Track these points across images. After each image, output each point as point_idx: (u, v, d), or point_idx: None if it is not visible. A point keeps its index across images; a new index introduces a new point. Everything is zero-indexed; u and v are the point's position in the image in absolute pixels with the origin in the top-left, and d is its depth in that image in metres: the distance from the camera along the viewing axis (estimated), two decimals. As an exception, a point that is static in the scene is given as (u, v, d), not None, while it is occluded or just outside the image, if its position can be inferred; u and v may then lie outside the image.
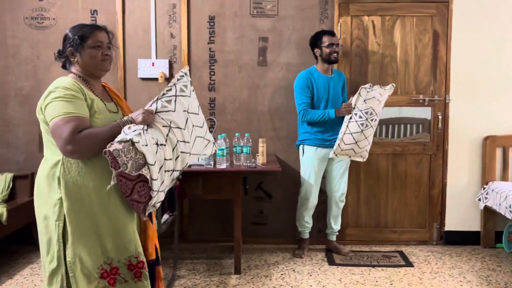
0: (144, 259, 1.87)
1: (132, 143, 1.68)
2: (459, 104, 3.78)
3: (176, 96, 1.87)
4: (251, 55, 3.81)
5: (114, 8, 3.75)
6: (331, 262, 3.49)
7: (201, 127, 2.00)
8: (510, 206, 3.26)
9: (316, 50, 3.51)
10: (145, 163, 1.73)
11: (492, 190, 3.59)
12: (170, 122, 1.85)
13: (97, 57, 1.87)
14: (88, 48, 1.86)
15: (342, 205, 3.64)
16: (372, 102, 3.29)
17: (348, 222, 3.89)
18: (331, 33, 3.50)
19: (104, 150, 1.65)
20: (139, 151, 1.70)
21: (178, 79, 1.92)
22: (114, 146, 1.66)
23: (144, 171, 1.72)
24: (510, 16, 3.72)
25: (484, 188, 3.72)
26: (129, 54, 3.80)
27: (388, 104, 3.44)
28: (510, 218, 3.27)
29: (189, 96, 1.93)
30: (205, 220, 3.91)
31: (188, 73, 1.99)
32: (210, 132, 2.18)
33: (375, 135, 3.42)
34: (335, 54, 3.47)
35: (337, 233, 3.71)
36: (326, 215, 3.70)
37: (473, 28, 3.72)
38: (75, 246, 1.77)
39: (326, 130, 3.49)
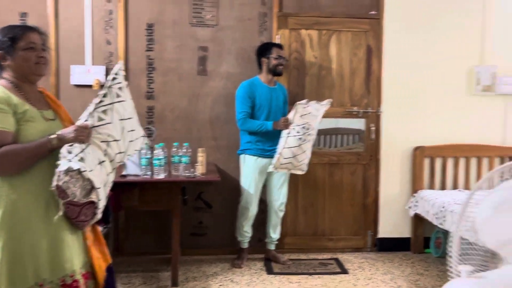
0: (79, 278, 1.76)
1: (80, 172, 1.63)
2: (391, 116, 3.96)
3: (113, 103, 1.78)
4: (191, 64, 3.78)
5: (45, 11, 3.59)
6: (270, 271, 3.52)
7: (134, 130, 1.92)
8: (436, 214, 3.46)
9: (263, 59, 3.56)
10: (92, 187, 1.69)
11: (421, 198, 3.78)
12: (108, 136, 1.78)
13: (31, 60, 1.75)
14: (20, 50, 1.73)
15: (281, 214, 3.68)
16: (308, 117, 3.39)
17: (287, 231, 3.94)
18: (281, 46, 3.61)
19: (53, 185, 1.61)
20: (86, 178, 1.66)
21: (113, 79, 1.80)
22: (62, 178, 1.61)
23: (93, 197, 1.69)
24: (438, 32, 3.95)
25: (413, 196, 3.91)
26: (62, 60, 3.64)
27: (324, 115, 3.53)
28: (436, 224, 3.46)
29: (125, 100, 1.84)
30: (142, 232, 3.80)
31: (122, 68, 1.85)
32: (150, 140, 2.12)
33: (313, 145, 3.51)
34: (281, 67, 3.55)
35: (277, 242, 3.75)
36: (266, 224, 3.73)
37: (404, 43, 3.93)
38: (1, 265, 1.64)
39: (267, 140, 3.53)
